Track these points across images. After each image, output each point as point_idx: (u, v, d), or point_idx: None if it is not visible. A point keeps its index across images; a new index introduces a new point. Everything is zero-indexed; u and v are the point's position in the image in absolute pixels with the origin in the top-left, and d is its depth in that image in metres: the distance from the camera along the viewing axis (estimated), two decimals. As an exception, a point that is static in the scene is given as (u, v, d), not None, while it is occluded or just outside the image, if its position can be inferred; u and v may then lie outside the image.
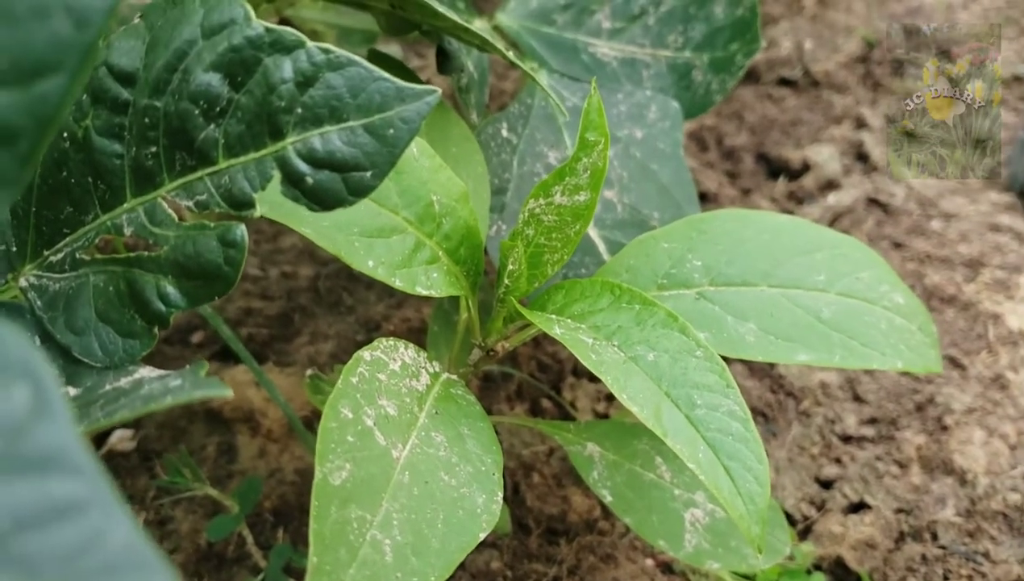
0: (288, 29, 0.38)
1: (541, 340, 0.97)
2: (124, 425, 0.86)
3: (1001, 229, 1.10)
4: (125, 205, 0.41)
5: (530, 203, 0.55)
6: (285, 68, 0.38)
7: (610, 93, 0.75)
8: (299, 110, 0.38)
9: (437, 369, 0.56)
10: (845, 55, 1.38)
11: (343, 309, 0.97)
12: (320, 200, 0.39)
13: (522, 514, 0.81)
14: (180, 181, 0.40)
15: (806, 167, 1.21)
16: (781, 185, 1.19)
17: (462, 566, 0.79)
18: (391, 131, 0.38)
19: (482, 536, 0.45)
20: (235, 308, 0.95)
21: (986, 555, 0.80)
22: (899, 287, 0.61)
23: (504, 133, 0.72)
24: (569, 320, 0.55)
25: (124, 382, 0.41)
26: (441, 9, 0.55)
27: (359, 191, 0.39)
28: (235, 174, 0.39)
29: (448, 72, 0.65)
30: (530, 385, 0.92)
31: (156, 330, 0.42)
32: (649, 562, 0.78)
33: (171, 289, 0.40)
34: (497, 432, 0.84)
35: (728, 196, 1.17)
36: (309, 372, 0.68)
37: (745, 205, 1.15)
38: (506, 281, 0.58)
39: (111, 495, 0.24)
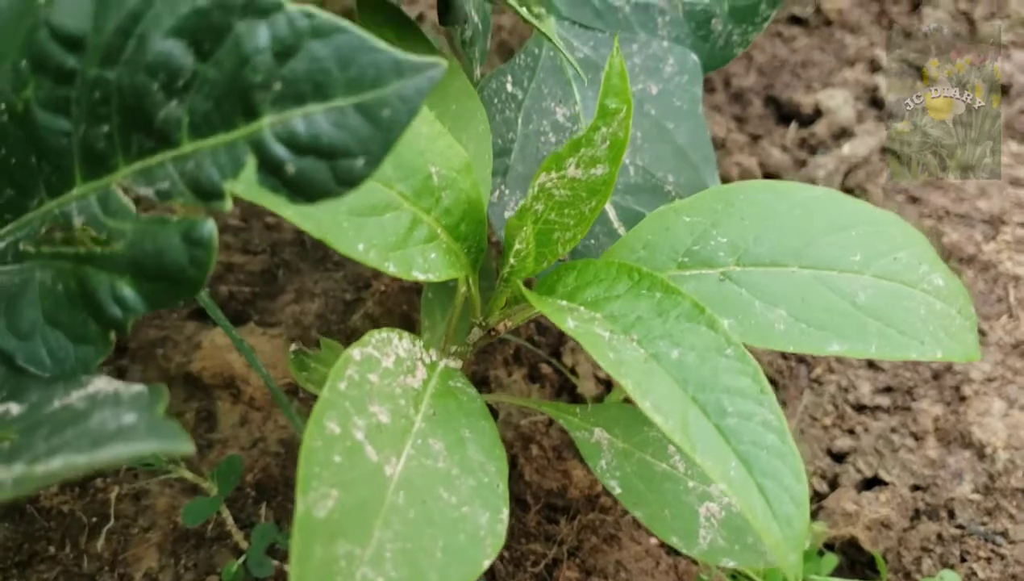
0: (264, -12, 0.31)
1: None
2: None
3: (1022, 183, 1.04)
4: (75, 190, 0.35)
5: (541, 177, 0.49)
6: (261, 35, 0.32)
7: (623, 44, 0.69)
8: (278, 86, 0.32)
9: (434, 358, 0.51)
10: (860, -9, 1.31)
11: (330, 265, 0.91)
12: (303, 190, 0.33)
13: (520, 489, 0.77)
14: (138, 165, 0.34)
15: (818, 113, 1.15)
16: (792, 132, 1.13)
17: (456, 545, 0.75)
18: (387, 112, 0.32)
19: (486, 564, 0.40)
20: (214, 263, 0.89)
21: (1004, 534, 0.76)
22: (939, 267, 0.56)
23: (509, 88, 0.65)
24: (582, 307, 0.49)
25: (75, 397, 0.35)
26: None
27: (349, 181, 0.33)
28: (202, 159, 0.33)
29: (451, 24, 0.59)
30: (528, 349, 0.87)
31: (112, 335, 0.36)
32: (653, 541, 0.74)
33: (128, 291, 0.34)
34: (493, 408, 0.80)
35: (737, 142, 1.11)
36: (293, 347, 0.62)
37: (754, 152, 1.09)
38: (511, 261, 0.52)
39: None
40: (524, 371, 0.85)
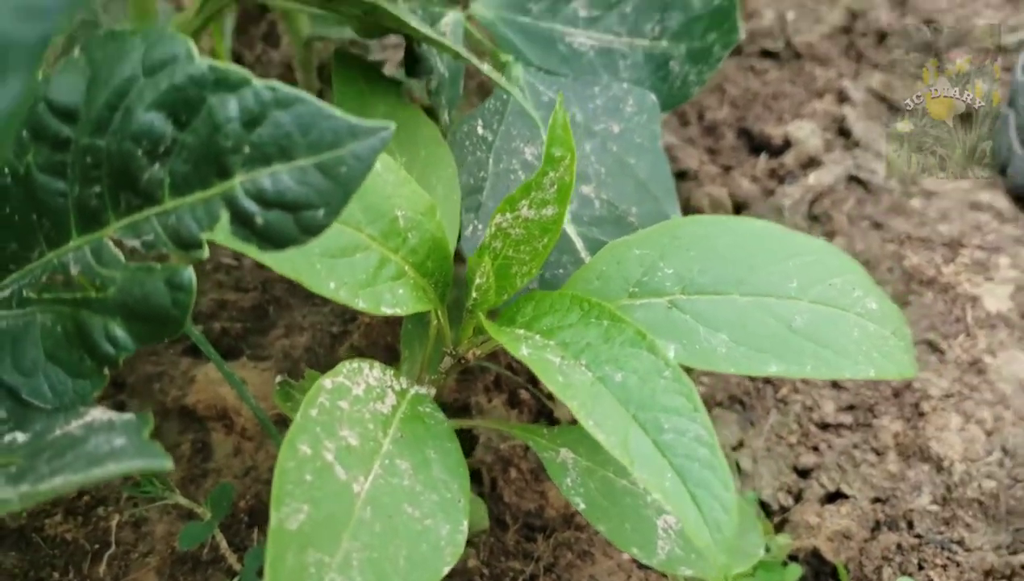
0: (233, 67, 0.36)
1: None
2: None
3: (982, 207, 1.09)
4: (71, 243, 0.40)
5: (497, 217, 0.54)
6: (231, 106, 0.37)
7: (586, 86, 0.74)
8: (247, 149, 0.37)
9: (404, 386, 0.55)
10: (828, 26, 1.36)
11: (318, 300, 0.96)
12: (271, 239, 0.37)
13: (499, 510, 0.81)
14: (126, 221, 0.39)
15: (787, 144, 1.19)
16: (762, 162, 1.18)
17: (439, 564, 0.79)
18: (343, 169, 0.37)
19: (446, 570, 0.44)
20: (208, 301, 0.94)
21: (960, 543, 0.80)
22: (872, 292, 0.60)
23: (480, 130, 0.70)
24: (538, 336, 0.54)
25: (74, 426, 0.39)
26: (414, 23, 0.53)
27: (311, 230, 0.37)
28: (182, 214, 0.38)
29: (417, 76, 0.64)
30: (508, 376, 0.91)
31: (107, 370, 0.40)
32: (625, 557, 0.78)
33: (119, 331, 0.39)
34: (472, 431, 0.84)
35: (708, 173, 1.15)
36: (279, 379, 0.67)
37: (726, 183, 1.13)
38: (474, 294, 0.57)
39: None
40: (504, 397, 0.90)
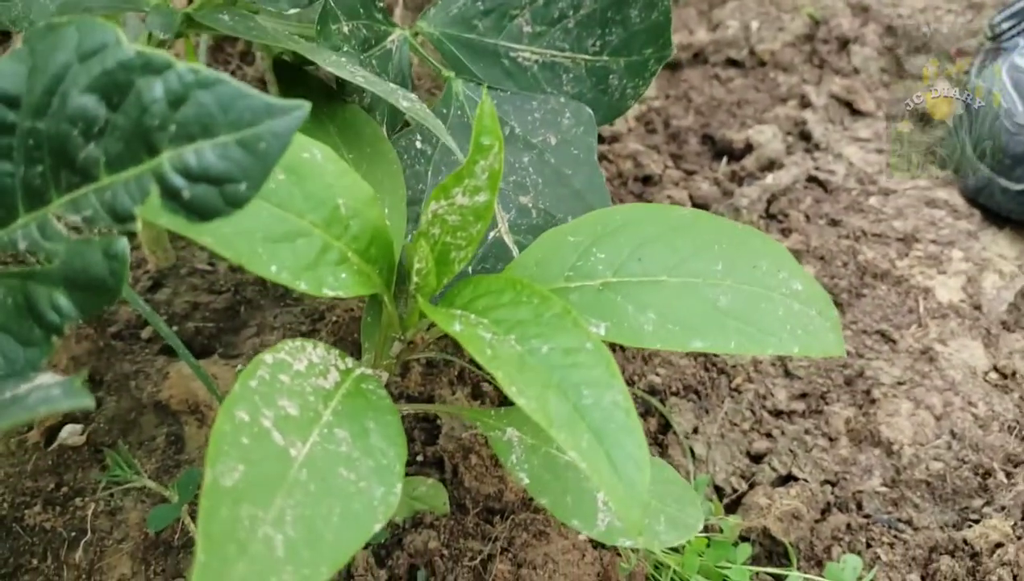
0: (158, 52, 0.40)
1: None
2: (73, 419, 0.88)
3: (937, 204, 1.12)
4: (19, 221, 0.43)
5: (432, 205, 0.57)
6: (156, 88, 0.40)
7: (525, 100, 0.77)
8: (172, 127, 0.40)
9: (350, 365, 0.58)
10: (791, 34, 1.40)
11: (289, 301, 0.99)
12: (198, 211, 0.41)
13: (460, 495, 0.84)
14: (67, 197, 0.42)
15: (749, 148, 1.23)
16: (724, 166, 1.21)
17: (400, 546, 0.82)
18: (263, 144, 0.40)
19: (377, 527, 0.47)
20: (183, 303, 0.97)
21: (908, 522, 0.83)
22: (798, 274, 0.63)
23: (418, 145, 0.73)
24: (472, 315, 0.57)
25: (23, 389, 0.42)
26: (322, 62, 0.57)
27: (235, 202, 0.40)
28: (117, 189, 0.41)
29: (346, 95, 0.67)
30: (471, 370, 0.94)
31: (54, 338, 0.43)
32: (581, 537, 0.81)
33: (63, 300, 0.42)
34: (437, 418, 0.87)
35: (671, 178, 1.19)
36: (239, 368, 0.70)
37: (687, 187, 1.17)
38: (415, 279, 0.60)
39: None
40: (468, 390, 0.93)
